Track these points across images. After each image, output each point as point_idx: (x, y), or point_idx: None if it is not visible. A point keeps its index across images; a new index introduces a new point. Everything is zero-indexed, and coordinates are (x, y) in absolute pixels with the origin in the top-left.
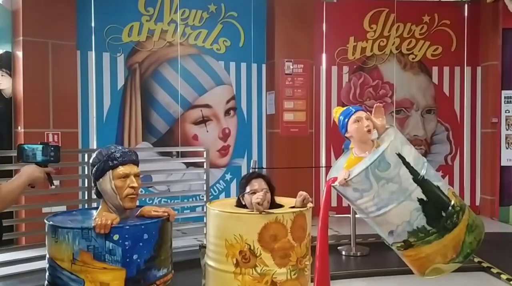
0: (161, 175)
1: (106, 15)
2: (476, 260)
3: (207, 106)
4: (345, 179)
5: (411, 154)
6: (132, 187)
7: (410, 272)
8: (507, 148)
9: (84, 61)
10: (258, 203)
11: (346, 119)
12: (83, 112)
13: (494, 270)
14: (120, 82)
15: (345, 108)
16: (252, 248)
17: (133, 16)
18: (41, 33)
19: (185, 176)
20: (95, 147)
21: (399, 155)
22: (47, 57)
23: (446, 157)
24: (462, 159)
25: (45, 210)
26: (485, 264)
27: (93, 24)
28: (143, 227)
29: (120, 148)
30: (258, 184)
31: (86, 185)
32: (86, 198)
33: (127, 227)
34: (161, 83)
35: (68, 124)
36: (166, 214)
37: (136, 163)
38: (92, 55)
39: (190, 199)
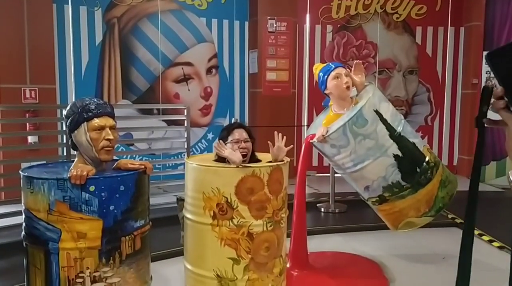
0: (142, 133)
1: None
2: (449, 216)
3: (188, 64)
4: (323, 135)
5: (389, 110)
6: (108, 139)
7: (385, 227)
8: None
9: (61, 15)
10: (243, 153)
11: (326, 76)
12: (60, 68)
13: None
14: (98, 37)
15: (325, 64)
16: (229, 200)
17: None
18: None
19: (166, 134)
20: None
21: (377, 112)
22: (22, 11)
23: (426, 118)
24: (442, 120)
25: (24, 165)
26: (458, 220)
27: None
28: (119, 178)
29: (95, 99)
30: (239, 133)
31: (65, 141)
32: (65, 153)
33: (103, 178)
34: (141, 40)
35: (46, 80)
36: (143, 166)
37: (111, 115)
38: (68, 8)
39: (172, 157)
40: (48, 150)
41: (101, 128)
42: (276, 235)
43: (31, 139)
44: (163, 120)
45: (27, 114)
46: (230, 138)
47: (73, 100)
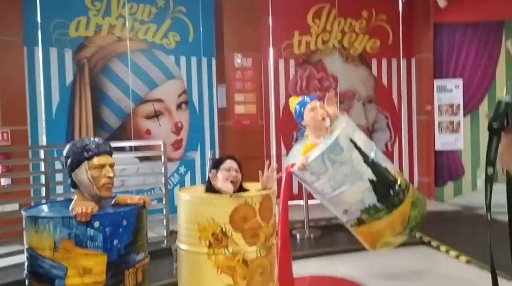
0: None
1: (52, 10)
2: (417, 235)
3: (159, 100)
4: (303, 164)
5: (361, 138)
6: (108, 177)
7: (359, 249)
8: (440, 133)
9: (31, 57)
10: (232, 181)
11: (302, 109)
12: (31, 109)
13: (434, 244)
14: (69, 77)
15: (300, 98)
16: (224, 229)
17: (80, 11)
18: None
19: (140, 170)
20: (44, 144)
21: (351, 140)
22: None
23: (386, 143)
24: (401, 145)
25: None
26: (425, 239)
27: (39, 19)
28: (122, 214)
29: (94, 139)
30: (230, 164)
31: (43, 182)
32: (43, 194)
33: (107, 214)
34: (111, 78)
35: (17, 122)
36: (141, 201)
37: (110, 153)
38: (39, 50)
39: (146, 193)
40: (21, 192)
41: (102, 166)
42: (268, 260)
43: (4, 182)
44: (136, 157)
45: None
46: (222, 167)
47: (44, 140)
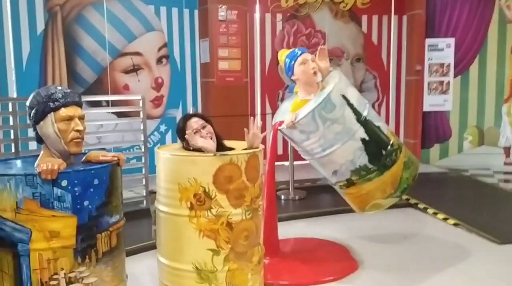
0: (91, 126)
1: None
2: (404, 197)
3: (137, 53)
4: (292, 121)
5: (354, 95)
6: (77, 130)
7: (344, 211)
8: (429, 94)
9: None
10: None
11: (293, 62)
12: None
13: (421, 206)
14: (40, 26)
15: (290, 50)
16: (206, 190)
17: None
18: None
19: (118, 126)
20: (15, 96)
21: (344, 97)
22: None
23: (373, 104)
24: (388, 106)
25: None
26: (412, 201)
27: None
28: (93, 171)
29: (61, 88)
30: (195, 122)
31: (12, 137)
32: (13, 150)
33: (76, 171)
34: (86, 29)
35: None
36: (115, 158)
37: (79, 104)
38: None
39: (124, 151)
40: None
41: (70, 118)
42: (254, 223)
43: None
44: (112, 112)
45: None
46: (188, 131)
47: (15, 93)
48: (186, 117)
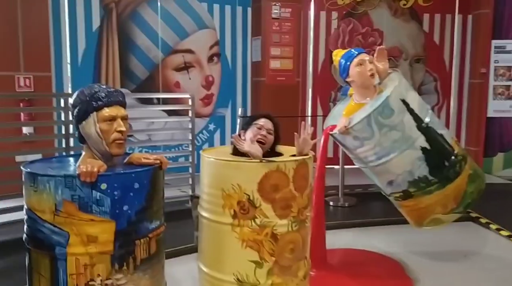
0: (141, 123)
1: None
2: None
3: (189, 51)
4: (345, 127)
5: (416, 100)
6: (120, 131)
7: (397, 222)
8: (494, 99)
9: (56, 0)
10: (260, 142)
11: (348, 63)
12: (56, 55)
13: (483, 220)
14: (96, 23)
15: (346, 50)
16: (251, 198)
17: None
18: None
19: (168, 124)
20: (70, 92)
21: (404, 101)
22: None
23: (433, 108)
24: (449, 110)
25: (19, 158)
26: (473, 214)
27: None
28: (133, 175)
29: (105, 87)
30: (264, 123)
31: (63, 132)
32: (64, 146)
33: (116, 175)
34: (140, 25)
35: (41, 68)
36: (158, 161)
37: (123, 104)
38: None
39: (173, 149)
40: (44, 141)
41: (112, 119)
42: (301, 235)
43: (26, 130)
44: (162, 110)
45: (21, 104)
46: (253, 124)
47: (69, 88)
48: (262, 114)
